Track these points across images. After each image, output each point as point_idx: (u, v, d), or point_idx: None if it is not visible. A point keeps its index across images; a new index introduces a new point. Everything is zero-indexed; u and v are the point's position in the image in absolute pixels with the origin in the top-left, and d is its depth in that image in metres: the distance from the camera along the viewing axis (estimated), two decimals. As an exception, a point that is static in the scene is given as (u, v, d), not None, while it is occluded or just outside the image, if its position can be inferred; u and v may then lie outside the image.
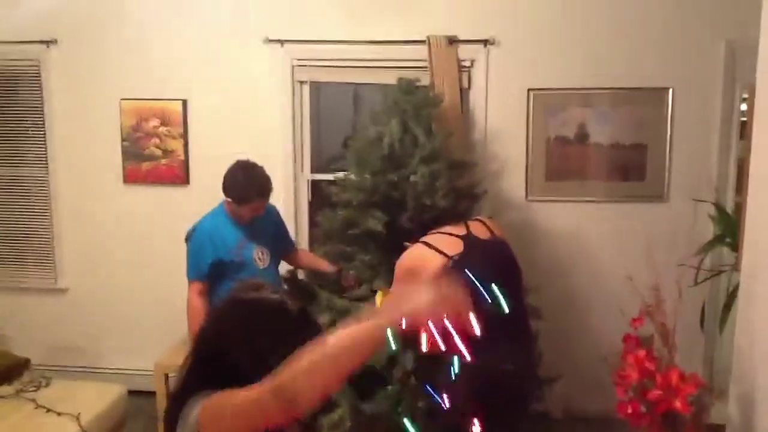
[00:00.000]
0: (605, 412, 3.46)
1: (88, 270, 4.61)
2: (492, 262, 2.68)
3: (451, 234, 2.72)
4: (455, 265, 2.61)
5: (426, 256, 2.68)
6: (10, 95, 4.53)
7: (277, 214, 3.57)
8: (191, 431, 1.33)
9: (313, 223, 4.29)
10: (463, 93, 4.05)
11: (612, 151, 4.08)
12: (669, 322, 2.44)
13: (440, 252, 2.65)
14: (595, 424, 3.90)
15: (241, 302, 1.43)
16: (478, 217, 2.89)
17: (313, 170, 4.40)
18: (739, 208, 3.46)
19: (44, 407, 3.39)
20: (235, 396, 1.26)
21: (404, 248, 2.84)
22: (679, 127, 4.03)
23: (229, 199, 3.19)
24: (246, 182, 3.16)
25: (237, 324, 1.39)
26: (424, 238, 2.76)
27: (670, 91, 4.00)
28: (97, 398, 3.57)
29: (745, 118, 3.93)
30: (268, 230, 3.41)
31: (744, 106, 3.95)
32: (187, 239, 3.28)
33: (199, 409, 1.31)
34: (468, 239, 2.69)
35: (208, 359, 1.41)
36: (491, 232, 2.77)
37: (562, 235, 4.16)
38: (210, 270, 3.19)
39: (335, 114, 5.75)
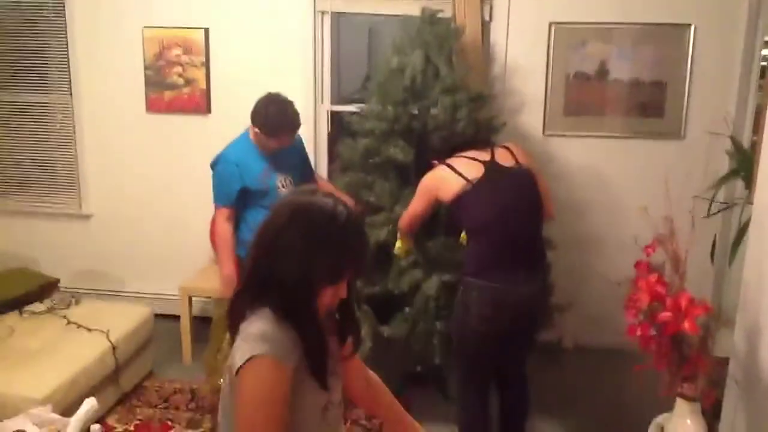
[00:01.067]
0: (615, 343, 3.60)
1: (112, 196, 4.72)
2: (509, 189, 2.78)
3: (474, 159, 2.82)
4: (473, 189, 2.72)
5: (447, 178, 2.80)
6: (34, 24, 4.56)
7: (302, 144, 3.61)
8: (234, 356, 1.43)
9: (332, 154, 4.37)
10: (485, 26, 4.04)
11: (631, 88, 4.09)
12: (681, 250, 2.51)
13: (461, 175, 2.76)
14: (604, 355, 4.03)
15: (296, 203, 1.50)
16: (506, 144, 2.95)
17: (333, 102, 4.44)
18: (756, 146, 3.49)
19: (75, 323, 3.55)
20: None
21: (431, 166, 2.96)
22: (699, 65, 4.03)
23: (257, 130, 3.24)
24: (278, 116, 3.20)
25: (291, 224, 1.46)
26: (448, 161, 2.86)
27: (692, 28, 3.98)
28: (125, 317, 3.73)
29: (765, 63, 3.93)
30: (294, 160, 3.46)
31: (766, 51, 3.93)
32: (213, 166, 3.36)
33: (250, 359, 1.39)
34: (489, 165, 2.78)
35: (264, 258, 1.48)
36: (516, 159, 2.85)
37: (578, 169, 4.21)
38: (237, 197, 3.28)
39: (352, 49, 5.75)
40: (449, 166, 2.82)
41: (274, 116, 3.20)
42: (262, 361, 1.39)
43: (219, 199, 3.33)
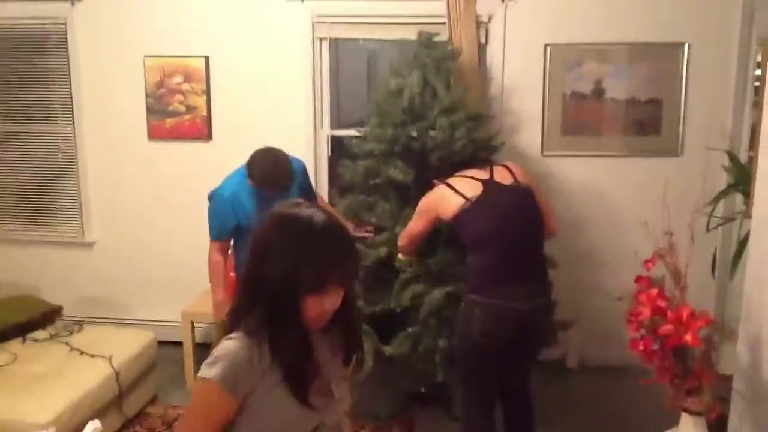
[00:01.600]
0: (619, 360, 3.60)
1: (115, 224, 4.74)
2: (508, 206, 2.81)
3: (473, 178, 2.87)
4: (472, 207, 2.77)
5: (447, 196, 2.85)
6: (36, 53, 4.63)
7: (304, 173, 3.59)
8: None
9: (332, 178, 4.40)
10: (481, 48, 4.10)
11: (628, 106, 4.14)
12: (681, 264, 2.52)
13: (460, 194, 2.80)
14: (610, 374, 4.03)
15: (278, 214, 1.54)
16: (505, 163, 3.01)
17: (333, 126, 4.49)
18: (753, 161, 3.52)
19: (78, 350, 3.55)
20: None
21: (431, 186, 3.02)
22: (694, 82, 4.08)
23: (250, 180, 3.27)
24: (267, 175, 3.20)
25: (273, 232, 1.51)
26: (447, 180, 2.92)
27: (686, 46, 4.04)
28: (128, 343, 3.72)
29: (758, 83, 3.97)
30: (292, 195, 3.47)
31: (759, 71, 3.98)
32: (209, 198, 3.40)
33: (199, 378, 1.47)
34: (488, 183, 2.82)
35: (252, 269, 1.52)
36: (515, 177, 2.89)
37: (577, 189, 4.24)
38: (231, 232, 3.34)
39: (351, 74, 5.83)
40: (448, 185, 2.88)
41: (264, 174, 3.20)
42: (207, 385, 1.46)
43: (211, 233, 3.40)
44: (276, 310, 1.47)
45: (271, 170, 3.20)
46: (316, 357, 1.54)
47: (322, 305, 1.50)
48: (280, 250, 1.47)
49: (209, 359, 1.47)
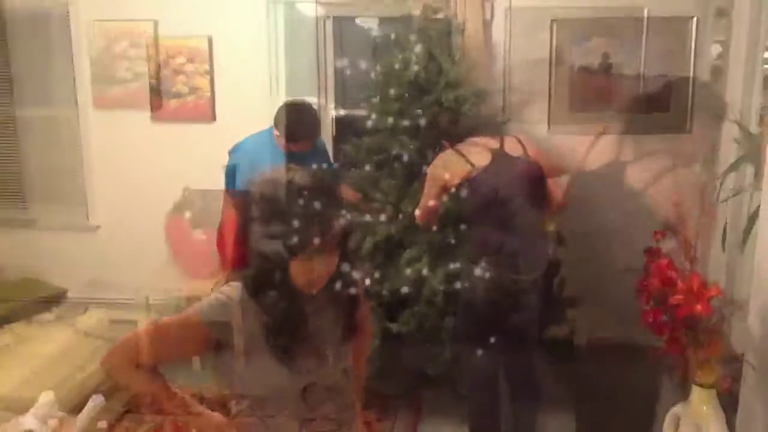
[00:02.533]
0: (627, 339, 3.56)
1: (119, 207, 4.72)
2: (515, 178, 2.78)
3: (483, 146, 2.84)
4: (478, 176, 2.75)
5: (455, 162, 2.82)
6: (39, 35, 4.60)
7: (325, 150, 3.64)
8: None
9: (337, 157, 4.37)
10: (486, 24, 4.05)
11: (635, 82, 4.09)
12: (691, 236, 2.49)
13: (468, 161, 2.78)
14: (617, 352, 4.00)
15: (261, 180, 1.58)
16: (517, 135, 2.98)
17: (337, 105, 4.46)
18: (763, 134, 3.48)
19: (83, 331, 3.56)
20: None
21: (443, 147, 2.98)
22: (702, 57, 4.02)
23: (277, 132, 3.27)
24: (294, 123, 3.22)
25: (255, 197, 1.54)
26: (457, 146, 2.89)
27: (694, 20, 3.98)
28: (133, 324, 3.71)
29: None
30: (309, 163, 3.46)
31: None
32: (230, 153, 3.40)
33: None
34: (497, 153, 2.80)
35: (242, 237, 1.58)
36: (524, 150, 2.86)
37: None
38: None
39: (356, 53, 5.80)
40: (457, 150, 2.85)
41: (291, 124, 3.22)
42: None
43: (228, 185, 3.42)
44: (263, 272, 1.51)
45: (298, 118, 3.23)
46: (306, 320, 1.57)
47: (310, 269, 1.50)
48: (261, 212, 1.50)
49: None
